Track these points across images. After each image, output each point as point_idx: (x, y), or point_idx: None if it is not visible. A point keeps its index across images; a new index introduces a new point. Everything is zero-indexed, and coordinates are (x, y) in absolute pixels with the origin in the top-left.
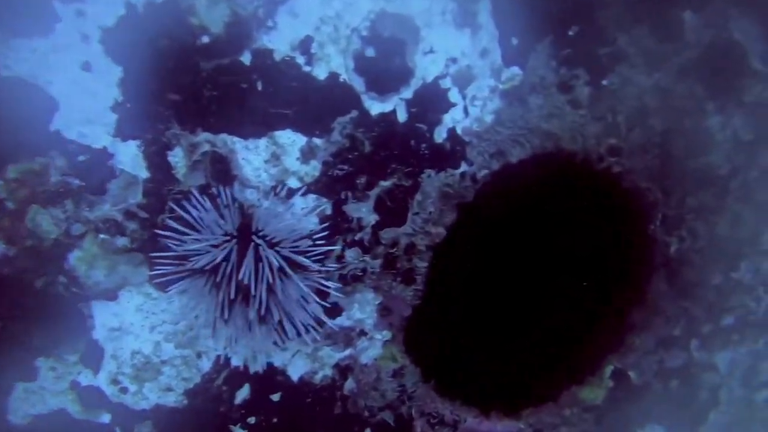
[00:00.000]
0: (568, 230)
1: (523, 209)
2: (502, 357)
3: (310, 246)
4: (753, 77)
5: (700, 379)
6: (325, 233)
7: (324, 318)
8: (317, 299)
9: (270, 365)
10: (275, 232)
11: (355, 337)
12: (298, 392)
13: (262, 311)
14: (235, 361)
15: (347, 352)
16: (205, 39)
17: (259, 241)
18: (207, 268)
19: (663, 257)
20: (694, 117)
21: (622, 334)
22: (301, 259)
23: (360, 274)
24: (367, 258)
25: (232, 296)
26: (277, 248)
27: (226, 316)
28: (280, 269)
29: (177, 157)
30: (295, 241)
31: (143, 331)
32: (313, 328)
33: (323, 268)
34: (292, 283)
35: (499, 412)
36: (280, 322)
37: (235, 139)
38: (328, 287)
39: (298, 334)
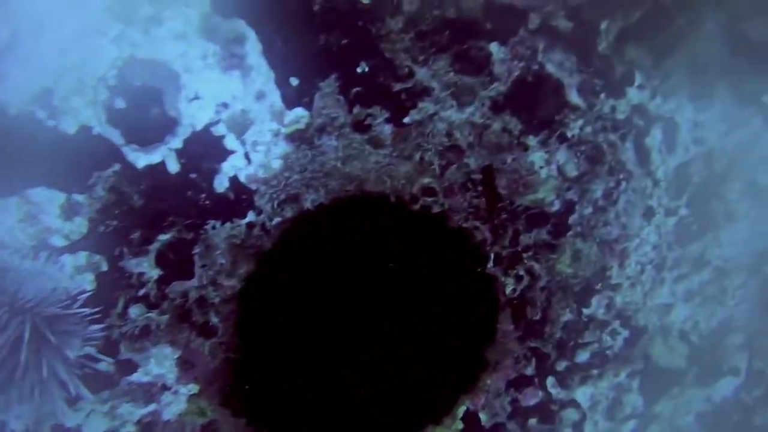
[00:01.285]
0: (396, 272)
1: (333, 254)
2: (338, 402)
3: (77, 306)
4: (572, 111)
5: (561, 416)
6: (89, 293)
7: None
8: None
9: (61, 427)
10: (35, 293)
11: (157, 392)
12: None
13: (21, 375)
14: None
15: (150, 407)
16: None
17: (14, 306)
18: None
19: (504, 297)
20: (515, 153)
21: (474, 374)
22: (48, 334)
23: (146, 329)
24: (152, 314)
25: None
26: (37, 310)
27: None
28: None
29: None
30: (57, 302)
31: None
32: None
33: (89, 330)
34: (52, 349)
35: None
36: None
37: None
38: (95, 359)
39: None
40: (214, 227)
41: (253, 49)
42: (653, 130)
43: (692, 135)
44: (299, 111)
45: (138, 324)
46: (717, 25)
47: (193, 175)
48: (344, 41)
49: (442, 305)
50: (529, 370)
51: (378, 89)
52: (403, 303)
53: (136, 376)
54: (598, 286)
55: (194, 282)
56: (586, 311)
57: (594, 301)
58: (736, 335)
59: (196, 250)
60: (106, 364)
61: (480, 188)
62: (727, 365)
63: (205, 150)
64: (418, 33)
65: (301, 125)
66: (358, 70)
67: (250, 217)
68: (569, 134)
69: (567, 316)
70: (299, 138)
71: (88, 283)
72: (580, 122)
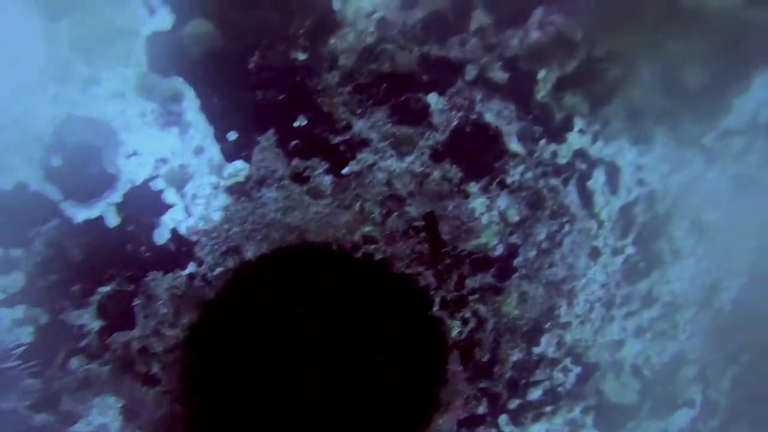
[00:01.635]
0: (342, 318)
1: (276, 303)
2: None
3: (13, 360)
4: (512, 158)
5: None
6: (27, 346)
7: None
8: None
9: None
10: None
11: None
12: None
13: None
14: None
15: None
16: None
17: None
18: None
19: (452, 339)
20: (456, 200)
21: (426, 415)
22: None
23: (87, 380)
24: (93, 365)
25: None
26: None
27: None
28: None
29: None
30: None
31: None
32: None
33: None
34: None
35: None
36: None
37: None
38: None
39: None
40: (155, 279)
41: (190, 105)
42: (595, 173)
43: (635, 177)
44: (238, 164)
45: (79, 375)
46: (652, 73)
47: (132, 229)
48: (281, 96)
49: (390, 349)
50: (481, 409)
51: (316, 141)
52: (350, 350)
53: (78, 427)
54: (547, 325)
55: (136, 332)
56: (536, 350)
57: (544, 339)
58: (689, 368)
59: (138, 301)
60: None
61: (422, 235)
62: (681, 398)
63: (144, 204)
64: (356, 87)
65: (241, 178)
66: (296, 123)
67: (191, 268)
68: (509, 180)
69: (516, 355)
70: (239, 190)
71: (26, 335)
72: (520, 168)
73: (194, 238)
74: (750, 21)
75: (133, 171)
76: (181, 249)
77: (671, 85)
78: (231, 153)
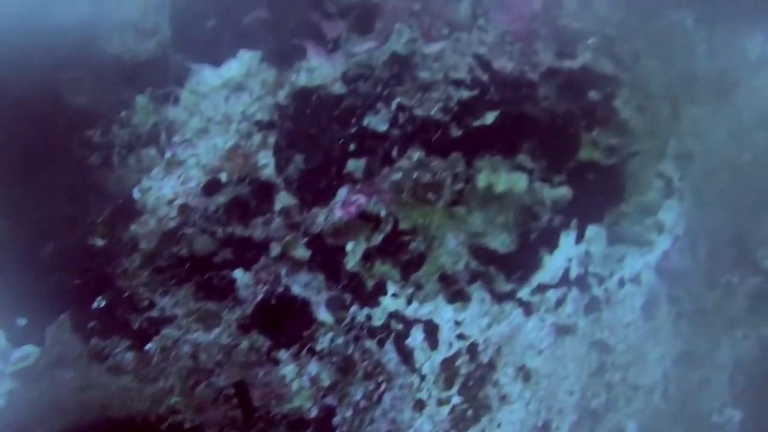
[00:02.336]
0: None
1: None
2: None
3: None
4: (321, 326)
5: None
6: None
7: None
8: None
9: None
10: None
11: None
12: None
13: None
14: None
15: None
16: None
17: None
18: None
19: None
20: (266, 367)
21: None
22: None
23: None
24: None
25: None
26: None
27: None
28: None
29: None
30: None
31: None
32: None
33: None
34: None
35: None
36: None
37: None
38: None
39: None
40: None
41: None
42: (413, 332)
43: (454, 332)
44: (28, 348)
45: None
46: (457, 241)
47: None
48: (77, 281)
49: None
50: None
51: (117, 321)
52: None
53: None
54: None
55: None
56: None
57: None
58: None
59: None
60: None
61: (234, 401)
62: None
63: None
64: (157, 268)
65: (30, 361)
66: (95, 305)
67: None
68: (319, 347)
69: None
70: (28, 374)
71: None
72: (330, 335)
73: None
74: (537, 199)
75: None
76: None
77: (479, 250)
78: (20, 338)
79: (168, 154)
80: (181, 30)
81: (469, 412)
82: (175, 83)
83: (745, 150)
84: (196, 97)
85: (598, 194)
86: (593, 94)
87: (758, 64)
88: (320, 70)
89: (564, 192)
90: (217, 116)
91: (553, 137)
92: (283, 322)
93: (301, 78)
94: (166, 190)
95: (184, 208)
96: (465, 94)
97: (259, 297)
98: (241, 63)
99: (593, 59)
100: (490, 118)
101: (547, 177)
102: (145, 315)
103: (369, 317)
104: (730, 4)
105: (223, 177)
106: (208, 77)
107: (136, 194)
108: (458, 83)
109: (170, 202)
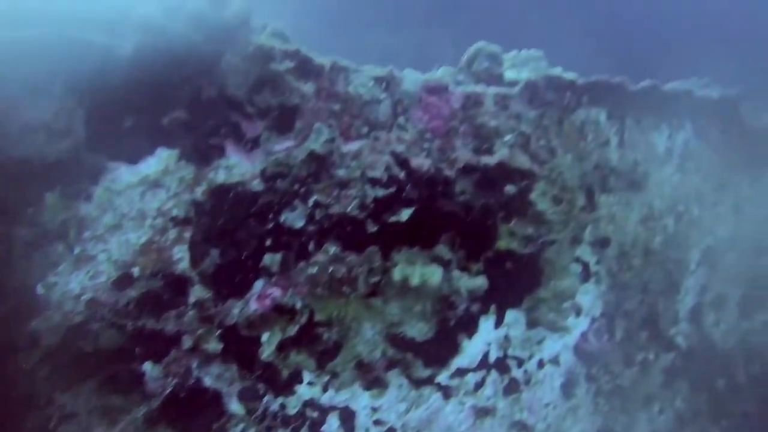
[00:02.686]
0: None
1: None
2: None
3: None
4: (232, 418)
5: None
6: None
7: None
8: None
9: None
10: None
11: None
12: None
13: None
14: None
15: None
16: None
17: None
18: None
19: None
20: None
21: None
22: None
23: None
24: None
25: None
26: None
27: None
28: None
29: None
30: None
31: None
32: None
33: None
34: None
35: None
36: None
37: None
38: None
39: None
40: None
41: None
42: (329, 419)
43: (371, 418)
44: None
45: None
46: (374, 331)
47: None
48: None
49: None
50: None
51: (14, 419)
52: None
53: None
54: None
55: None
56: None
57: None
58: None
59: None
60: None
61: None
62: None
63: None
64: (58, 364)
65: None
66: None
67: None
68: None
69: None
70: None
71: None
72: (241, 425)
73: None
74: (453, 288)
75: None
76: None
77: (396, 338)
78: None
79: (77, 250)
80: (97, 129)
81: None
82: (88, 181)
83: (657, 234)
84: (110, 193)
85: (517, 281)
86: (510, 188)
87: (665, 157)
88: (239, 167)
89: (480, 282)
90: (132, 212)
91: (470, 229)
92: (193, 414)
93: (220, 175)
94: (73, 285)
95: (91, 303)
96: (381, 192)
97: (168, 390)
98: (159, 160)
99: (510, 155)
100: (405, 214)
101: (465, 266)
102: (43, 412)
103: (283, 406)
104: (639, 103)
105: (136, 271)
106: (124, 175)
107: (39, 290)
108: (375, 181)
109: (77, 297)
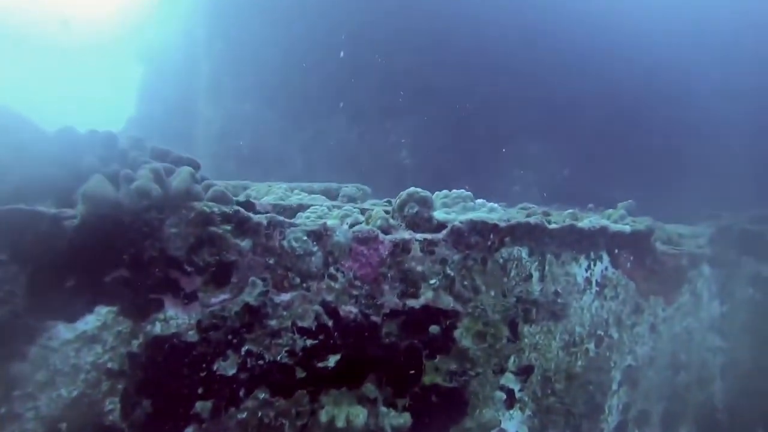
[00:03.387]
0: None
1: None
2: None
3: None
4: None
5: None
6: None
7: None
8: None
9: None
10: None
11: None
12: None
13: None
14: None
15: None
16: None
17: None
18: None
19: None
20: None
21: None
22: None
23: None
24: None
25: None
26: None
27: None
28: None
29: None
30: None
31: None
32: None
33: None
34: None
35: None
36: None
37: None
38: None
39: None
40: None
41: None
42: None
43: None
44: None
45: None
46: None
47: None
48: None
49: None
50: None
51: None
52: None
53: None
54: None
55: None
56: None
57: None
58: None
59: None
60: None
61: None
62: None
63: None
64: None
65: None
66: None
67: None
68: None
69: None
70: None
71: None
72: None
73: None
74: (379, 426)
75: None
76: None
77: None
78: None
79: (2, 410)
80: (38, 292)
81: None
82: (24, 341)
83: (579, 359)
84: (46, 351)
85: (442, 413)
86: (434, 328)
87: (584, 286)
88: (176, 319)
89: (405, 419)
90: (66, 368)
91: (396, 368)
92: None
93: (156, 327)
94: None
95: None
96: (309, 341)
97: None
98: (98, 317)
99: (434, 297)
100: (332, 360)
101: (392, 402)
102: None
103: None
104: (558, 240)
105: (63, 427)
106: (62, 332)
107: None
108: (303, 331)
109: None
